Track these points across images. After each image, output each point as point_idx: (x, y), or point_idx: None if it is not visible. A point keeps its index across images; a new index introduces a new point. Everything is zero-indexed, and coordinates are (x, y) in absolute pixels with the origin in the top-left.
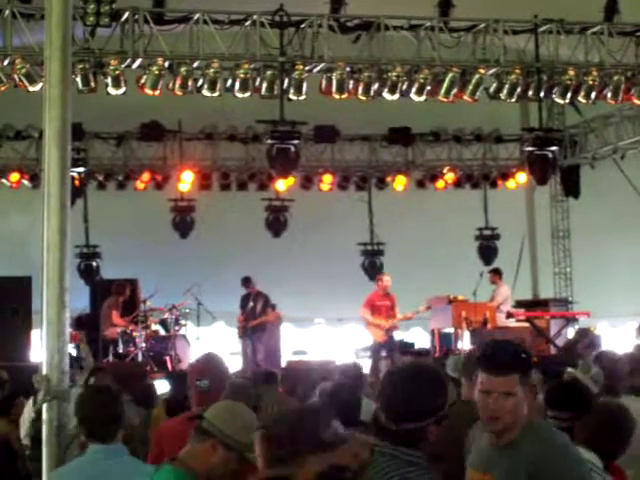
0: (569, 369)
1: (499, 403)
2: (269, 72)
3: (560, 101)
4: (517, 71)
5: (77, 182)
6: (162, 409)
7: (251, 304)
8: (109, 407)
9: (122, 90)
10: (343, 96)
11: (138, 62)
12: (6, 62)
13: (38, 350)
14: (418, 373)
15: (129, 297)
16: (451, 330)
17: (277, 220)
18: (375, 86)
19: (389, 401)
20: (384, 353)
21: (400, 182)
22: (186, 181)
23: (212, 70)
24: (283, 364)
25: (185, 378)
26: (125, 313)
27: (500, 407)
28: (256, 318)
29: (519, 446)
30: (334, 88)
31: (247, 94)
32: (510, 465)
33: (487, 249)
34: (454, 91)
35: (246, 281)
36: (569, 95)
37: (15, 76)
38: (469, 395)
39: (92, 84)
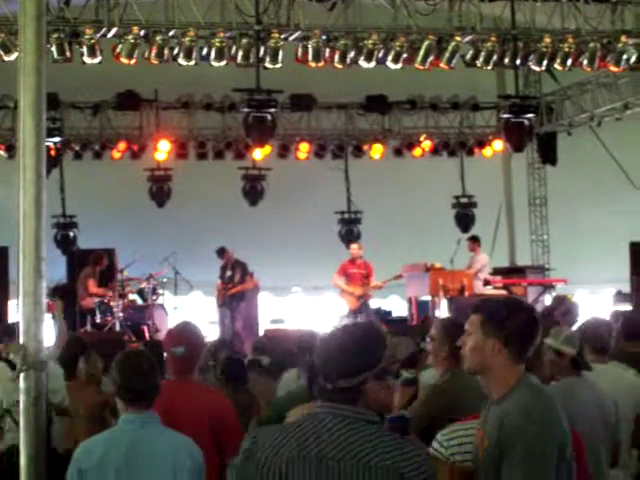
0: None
1: (463, 339)
2: (245, 40)
3: (536, 68)
4: (493, 38)
5: (53, 152)
6: None
7: (229, 273)
8: (148, 375)
9: (98, 59)
10: (319, 64)
11: (113, 31)
12: None
13: (15, 320)
14: (350, 331)
15: (106, 267)
16: (428, 298)
17: (254, 189)
18: (351, 54)
19: (323, 360)
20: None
21: (377, 150)
22: (162, 150)
23: (188, 39)
24: (261, 332)
25: (159, 346)
26: (102, 283)
27: (463, 344)
28: (234, 286)
29: (503, 405)
30: (310, 56)
31: (223, 63)
32: (492, 422)
33: (464, 217)
34: (430, 59)
35: (221, 252)
36: (545, 62)
37: None
38: None
39: (67, 53)
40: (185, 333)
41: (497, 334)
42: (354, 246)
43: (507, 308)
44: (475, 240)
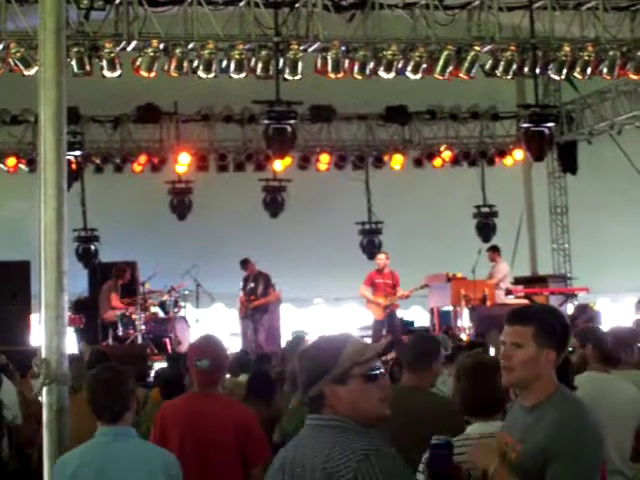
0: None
1: (508, 352)
2: (264, 52)
3: (556, 77)
4: (512, 48)
5: (74, 166)
6: (157, 390)
7: (251, 285)
8: (115, 388)
9: (117, 73)
10: (339, 75)
11: (133, 44)
12: (0, 46)
13: (37, 334)
14: (313, 342)
15: (128, 280)
16: (450, 308)
17: (275, 200)
18: (371, 65)
19: (297, 375)
20: (384, 331)
21: (397, 161)
22: (183, 163)
23: (207, 51)
24: (283, 344)
25: (180, 359)
26: (124, 296)
27: (509, 357)
28: (257, 299)
29: (541, 411)
30: (329, 67)
31: (242, 75)
32: (529, 428)
33: (485, 226)
34: (450, 69)
35: (244, 263)
36: (565, 71)
37: (10, 60)
38: (409, 382)
39: (87, 67)
40: (209, 346)
41: (550, 343)
42: (381, 256)
43: (552, 316)
44: (495, 250)
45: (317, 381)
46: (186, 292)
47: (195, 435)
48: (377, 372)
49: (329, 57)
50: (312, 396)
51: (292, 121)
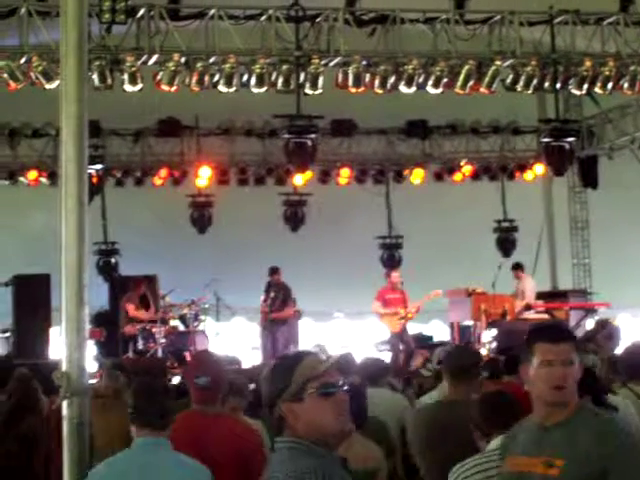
0: None
1: (565, 372)
2: (285, 66)
3: (577, 92)
4: (533, 62)
5: (95, 179)
6: None
7: (272, 295)
8: (164, 399)
9: (139, 86)
10: (359, 90)
11: (154, 58)
12: (23, 60)
13: (57, 347)
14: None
15: (149, 292)
16: (470, 323)
17: (295, 214)
18: (391, 79)
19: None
20: (401, 345)
21: (418, 175)
22: (204, 176)
23: (228, 65)
24: None
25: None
26: (145, 308)
27: (564, 375)
28: (276, 309)
29: (570, 429)
30: (350, 82)
31: (263, 89)
32: (556, 445)
33: (505, 241)
34: (470, 83)
35: (274, 270)
36: (586, 86)
37: (32, 74)
38: (453, 394)
39: (109, 81)
40: (208, 363)
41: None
42: (395, 274)
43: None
44: (519, 267)
45: (276, 401)
46: (206, 305)
47: (194, 454)
48: (332, 388)
49: (350, 71)
50: (275, 417)
51: (313, 135)
